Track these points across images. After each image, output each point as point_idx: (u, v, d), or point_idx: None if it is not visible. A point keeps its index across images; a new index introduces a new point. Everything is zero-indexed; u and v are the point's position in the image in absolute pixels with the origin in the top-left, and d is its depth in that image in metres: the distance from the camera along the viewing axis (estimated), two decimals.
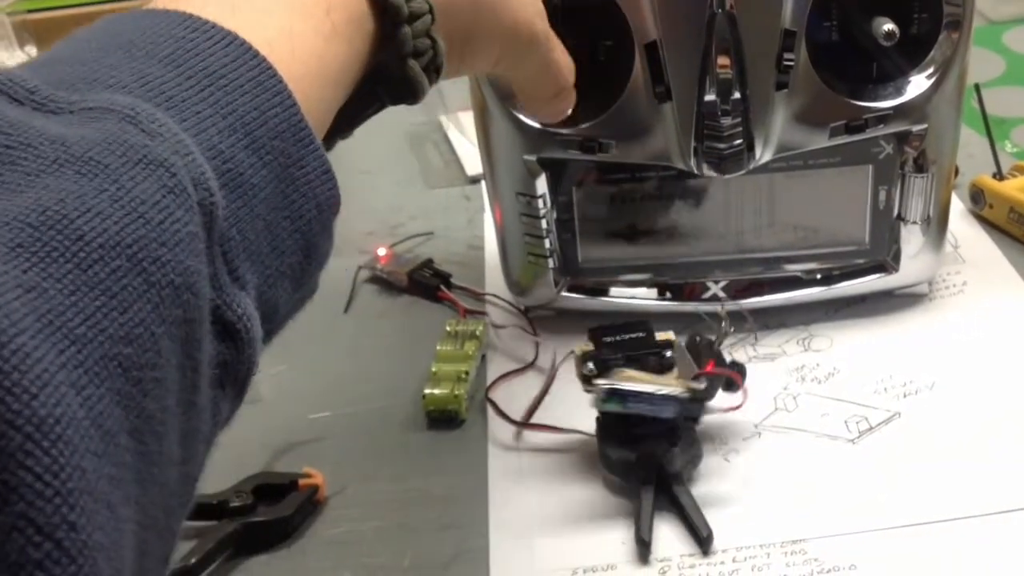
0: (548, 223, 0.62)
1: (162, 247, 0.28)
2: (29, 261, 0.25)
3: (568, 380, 0.58)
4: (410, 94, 0.40)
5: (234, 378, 0.32)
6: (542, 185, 0.61)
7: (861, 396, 0.59)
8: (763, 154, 0.58)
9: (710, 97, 0.56)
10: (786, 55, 0.56)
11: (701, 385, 0.53)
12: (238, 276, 0.31)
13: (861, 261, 0.64)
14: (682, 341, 0.56)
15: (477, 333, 0.65)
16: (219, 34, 0.33)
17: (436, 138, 0.92)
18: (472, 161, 0.85)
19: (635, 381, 0.52)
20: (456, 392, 0.60)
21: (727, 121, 0.56)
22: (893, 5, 0.57)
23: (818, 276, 0.65)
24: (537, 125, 0.59)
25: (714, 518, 0.51)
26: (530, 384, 0.62)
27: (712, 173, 0.58)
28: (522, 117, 0.59)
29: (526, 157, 0.60)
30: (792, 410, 0.59)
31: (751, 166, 0.58)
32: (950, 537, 0.50)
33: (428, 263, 0.73)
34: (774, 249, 0.65)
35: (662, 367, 0.55)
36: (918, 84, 0.58)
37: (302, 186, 0.34)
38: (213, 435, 0.32)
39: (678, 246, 0.64)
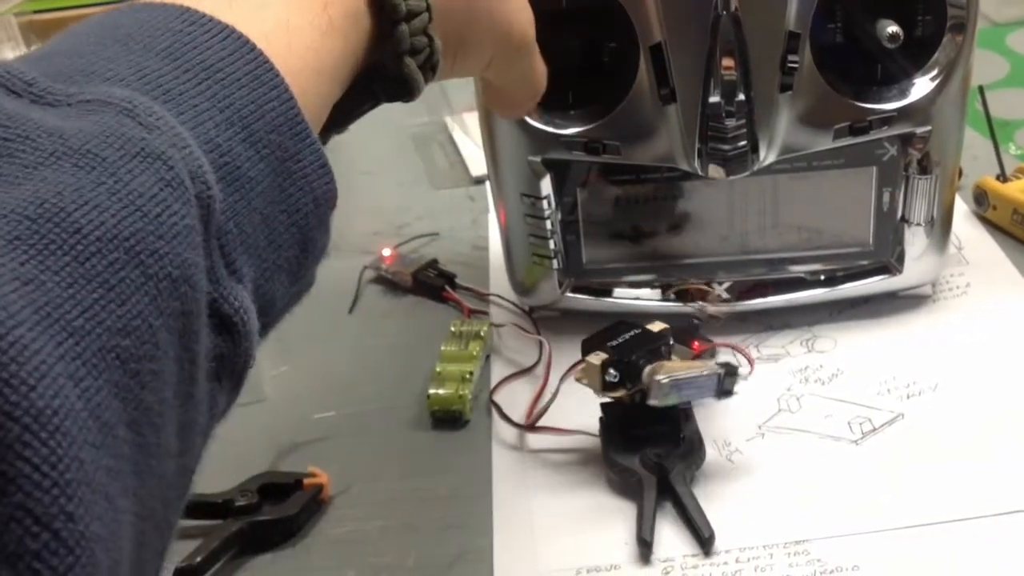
0: (552, 224, 0.63)
1: (159, 240, 0.28)
2: (27, 254, 0.25)
3: (571, 380, 0.58)
4: (406, 91, 0.40)
5: (231, 371, 0.32)
6: (546, 186, 0.61)
7: (865, 397, 0.59)
8: (767, 156, 0.58)
9: (714, 99, 0.56)
10: (790, 57, 0.56)
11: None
12: (235, 269, 0.32)
13: (865, 263, 0.64)
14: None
15: (481, 333, 0.65)
16: (216, 27, 0.33)
17: (441, 139, 0.92)
18: (477, 162, 0.85)
19: (677, 371, 0.52)
20: (460, 392, 0.61)
21: (731, 123, 0.56)
22: (897, 7, 0.57)
23: (822, 277, 0.65)
24: (542, 127, 0.59)
25: (717, 518, 0.52)
26: (534, 385, 0.62)
27: (716, 175, 0.58)
28: (527, 119, 0.59)
29: (531, 158, 0.60)
30: (795, 411, 0.59)
31: (755, 168, 0.58)
32: (953, 538, 0.50)
33: (433, 263, 0.73)
34: (778, 250, 0.65)
35: (669, 356, 0.55)
36: (922, 86, 0.58)
37: (299, 180, 0.34)
38: (210, 428, 0.32)
39: (682, 247, 0.64)
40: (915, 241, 0.63)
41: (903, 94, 0.59)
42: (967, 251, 0.70)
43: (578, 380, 0.55)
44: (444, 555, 0.53)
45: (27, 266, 0.25)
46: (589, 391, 0.55)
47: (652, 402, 0.52)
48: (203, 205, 0.30)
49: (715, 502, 0.53)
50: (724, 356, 0.62)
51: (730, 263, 0.65)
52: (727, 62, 0.55)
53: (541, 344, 0.64)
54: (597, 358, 0.54)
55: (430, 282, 0.72)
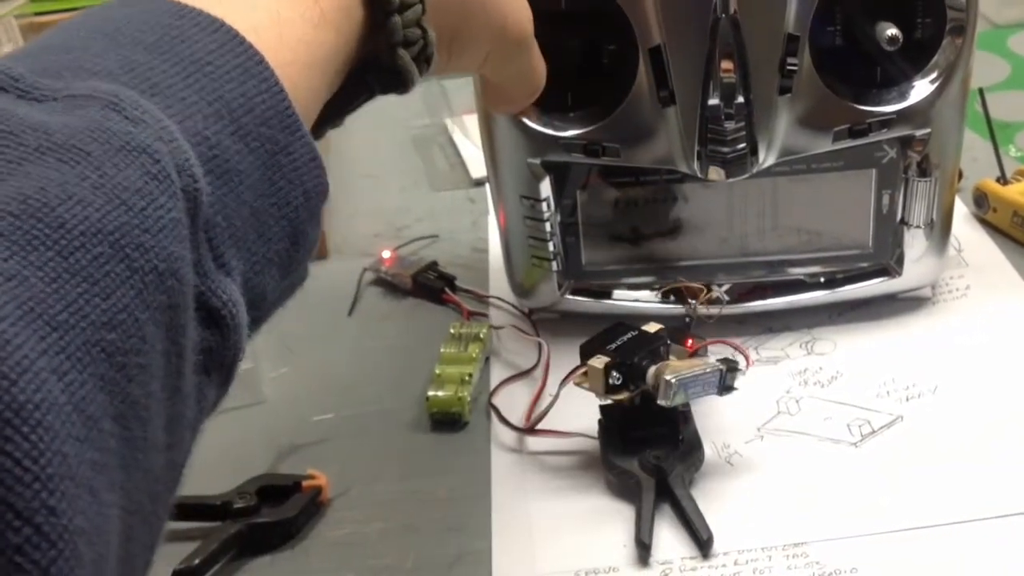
0: (552, 226, 0.63)
1: (145, 233, 0.28)
2: (10, 249, 0.25)
3: (570, 383, 0.57)
4: (400, 83, 0.40)
5: (219, 364, 0.32)
6: (546, 188, 0.61)
7: (864, 399, 0.59)
8: (766, 158, 0.58)
9: (714, 101, 0.56)
10: (789, 59, 0.56)
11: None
12: (223, 262, 0.31)
13: (864, 265, 0.64)
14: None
15: (481, 335, 0.65)
16: (205, 20, 0.33)
17: (441, 141, 0.92)
18: (477, 164, 0.85)
19: (682, 369, 0.52)
20: (460, 394, 0.61)
21: (731, 125, 0.56)
22: (897, 9, 0.57)
23: (821, 280, 0.65)
24: (541, 129, 0.59)
25: (716, 521, 0.52)
26: (533, 387, 0.62)
27: (716, 177, 0.58)
28: (526, 121, 0.59)
29: (530, 160, 0.60)
30: (795, 413, 0.59)
31: (754, 170, 0.58)
32: (952, 541, 0.50)
33: (432, 266, 0.73)
34: (777, 253, 0.65)
35: (668, 356, 0.55)
36: (922, 88, 0.58)
37: (289, 173, 0.34)
38: (199, 422, 0.32)
39: (681, 250, 0.64)
40: (915, 243, 0.63)
41: (903, 96, 0.59)
42: (967, 253, 0.70)
43: (578, 385, 0.55)
44: (443, 557, 0.53)
45: (10, 262, 0.25)
46: (588, 393, 0.54)
47: (661, 402, 0.52)
48: (190, 198, 0.30)
49: (714, 504, 0.53)
50: (716, 356, 0.61)
51: (729, 265, 0.65)
52: (726, 64, 0.55)
53: (540, 346, 0.64)
54: (600, 361, 0.54)
55: (430, 284, 0.72)
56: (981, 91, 0.75)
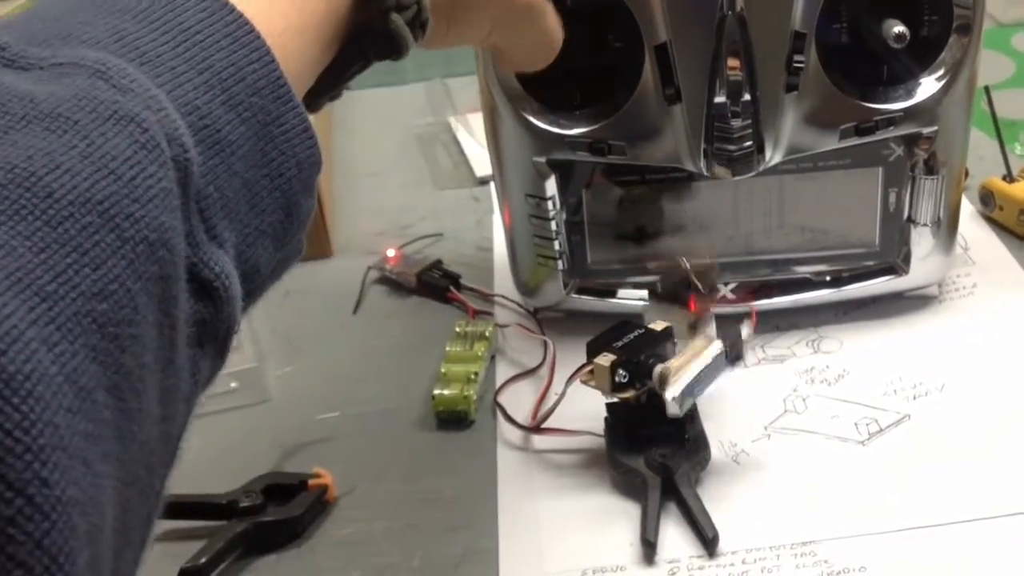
0: (557, 225, 0.62)
1: (134, 203, 0.27)
2: None
3: (576, 380, 0.57)
4: (394, 49, 0.40)
5: (213, 336, 0.32)
6: (551, 187, 0.61)
7: (871, 398, 0.59)
8: (773, 156, 0.58)
9: (720, 99, 0.56)
10: (796, 57, 0.56)
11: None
12: (215, 234, 0.31)
13: (871, 263, 0.64)
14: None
15: (486, 334, 0.65)
16: None
17: (445, 139, 0.92)
18: (481, 162, 0.85)
19: (685, 368, 0.52)
20: (465, 393, 0.60)
21: (737, 123, 0.56)
22: (903, 8, 0.57)
23: (828, 278, 0.65)
24: (547, 127, 0.59)
25: (723, 519, 0.51)
26: (539, 385, 0.62)
27: (722, 175, 0.58)
28: (532, 119, 0.59)
29: (535, 159, 0.60)
30: (802, 412, 0.59)
31: (761, 168, 0.58)
32: (960, 539, 0.50)
33: (437, 264, 0.73)
34: (784, 251, 0.64)
35: (673, 354, 0.55)
36: (928, 86, 0.58)
37: (281, 143, 0.33)
38: (194, 395, 0.32)
39: (687, 248, 0.64)
40: (921, 241, 0.63)
41: (909, 94, 0.58)
42: (973, 251, 0.70)
43: (584, 383, 0.55)
44: (449, 556, 0.53)
45: None
46: (594, 391, 0.54)
47: (672, 415, 0.52)
48: (180, 168, 0.29)
49: (721, 503, 0.53)
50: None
51: (735, 264, 0.65)
52: (732, 62, 0.55)
53: (546, 345, 0.64)
54: (606, 359, 0.54)
55: (434, 283, 0.72)
56: (987, 89, 0.75)
